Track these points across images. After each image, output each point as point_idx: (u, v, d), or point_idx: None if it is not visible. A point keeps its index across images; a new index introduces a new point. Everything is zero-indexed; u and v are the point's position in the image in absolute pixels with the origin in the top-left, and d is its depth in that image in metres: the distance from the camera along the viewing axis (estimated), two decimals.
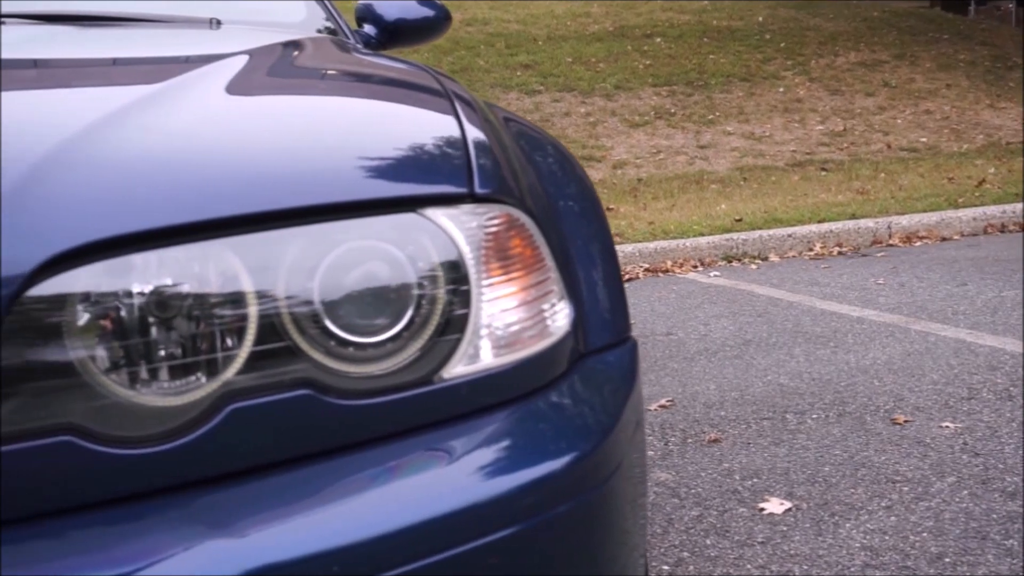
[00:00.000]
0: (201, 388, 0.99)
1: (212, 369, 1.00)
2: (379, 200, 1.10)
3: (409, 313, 1.08)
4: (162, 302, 0.98)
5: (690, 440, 3.38)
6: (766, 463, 3.12)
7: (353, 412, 1.04)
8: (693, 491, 2.93)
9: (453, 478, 1.06)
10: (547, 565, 1.12)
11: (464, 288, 1.11)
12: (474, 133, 1.25)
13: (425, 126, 1.28)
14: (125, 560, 0.91)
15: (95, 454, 0.93)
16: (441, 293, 1.09)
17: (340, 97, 1.41)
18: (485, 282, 1.13)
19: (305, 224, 1.05)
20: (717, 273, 6.80)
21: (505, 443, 1.13)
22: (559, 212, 1.39)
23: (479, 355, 1.13)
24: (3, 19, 1.94)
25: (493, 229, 1.16)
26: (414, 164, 1.17)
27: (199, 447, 0.96)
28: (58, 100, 1.22)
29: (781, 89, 13.86)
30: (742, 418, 3.56)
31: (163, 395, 0.98)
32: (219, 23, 2.22)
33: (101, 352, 0.95)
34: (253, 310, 1.01)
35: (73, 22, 2.03)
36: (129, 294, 0.97)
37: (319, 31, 2.48)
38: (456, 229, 1.12)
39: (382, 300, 1.07)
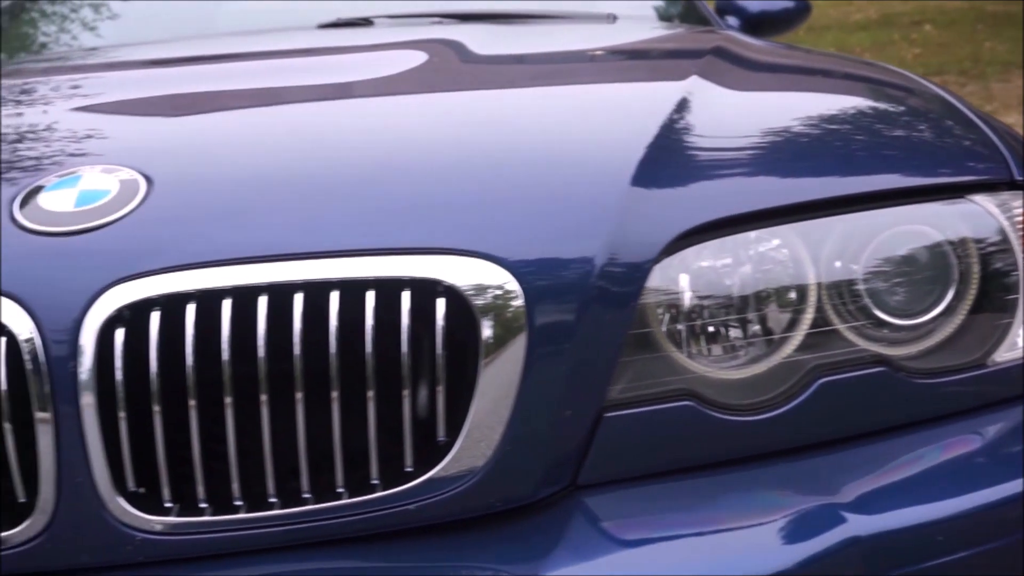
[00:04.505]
0: (761, 363, 1.04)
1: (772, 346, 1.05)
2: (925, 187, 1.13)
3: (950, 295, 1.10)
4: (733, 283, 1.04)
5: None
6: None
7: (920, 390, 1.07)
8: None
9: (1006, 463, 1.08)
10: None
11: (1013, 273, 1.11)
12: (987, 123, 1.26)
13: (938, 117, 1.30)
14: (727, 519, 0.98)
15: (711, 419, 1.00)
16: (978, 275, 1.11)
17: (836, 94, 1.44)
18: None
19: (854, 211, 1.09)
20: None
21: None
22: None
23: (1018, 342, 1.14)
24: (440, 18, 2.08)
25: None
26: (951, 153, 1.20)
27: (795, 416, 1.02)
28: (605, 94, 1.32)
29: None
30: None
31: (727, 369, 1.04)
32: (615, 18, 2.30)
33: (677, 327, 1.03)
34: (811, 291, 1.05)
35: (490, 20, 2.15)
36: (709, 274, 1.04)
37: (695, 23, 2.52)
38: (1002, 215, 1.13)
39: (924, 282, 1.10)
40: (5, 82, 1.46)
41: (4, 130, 1.22)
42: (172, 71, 1.47)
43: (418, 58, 1.44)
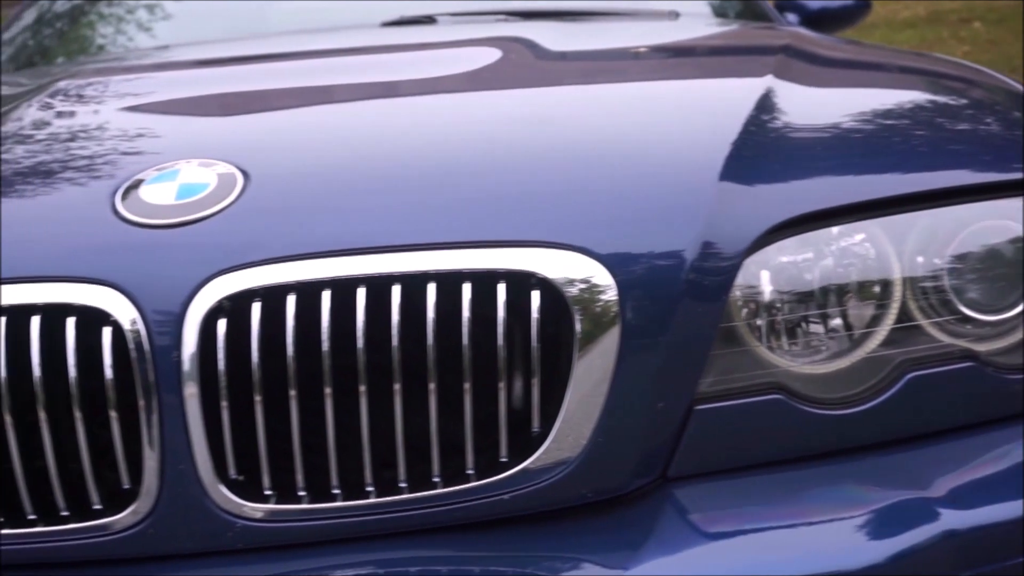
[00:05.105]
0: (845, 358, 1.04)
1: (855, 341, 1.05)
2: (1010, 182, 1.12)
3: None
4: (814, 277, 1.04)
5: None
6: None
7: (1009, 385, 1.06)
8: None
9: None
10: None
11: None
12: None
13: (1017, 111, 1.29)
14: (816, 512, 0.98)
15: (801, 413, 1.00)
16: None
17: (914, 89, 1.42)
18: None
19: (938, 206, 1.09)
20: None
21: None
22: None
23: None
24: (504, 15, 2.08)
25: None
26: None
27: (884, 410, 1.02)
28: (685, 90, 1.32)
29: None
30: None
31: (811, 364, 1.04)
32: (677, 15, 2.29)
33: (758, 322, 1.03)
34: (896, 286, 1.05)
35: (555, 18, 2.15)
36: (790, 269, 1.04)
37: (751, 19, 2.51)
38: None
39: (1008, 278, 1.09)
40: (78, 82, 1.49)
41: (93, 127, 1.25)
42: (253, 68, 1.50)
43: (493, 54, 1.45)
